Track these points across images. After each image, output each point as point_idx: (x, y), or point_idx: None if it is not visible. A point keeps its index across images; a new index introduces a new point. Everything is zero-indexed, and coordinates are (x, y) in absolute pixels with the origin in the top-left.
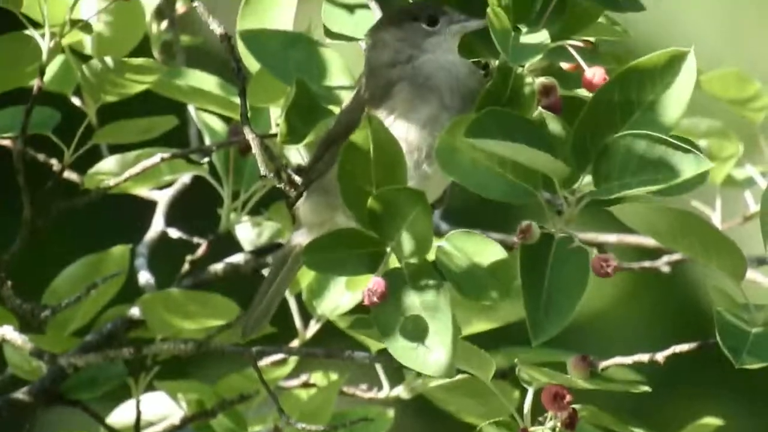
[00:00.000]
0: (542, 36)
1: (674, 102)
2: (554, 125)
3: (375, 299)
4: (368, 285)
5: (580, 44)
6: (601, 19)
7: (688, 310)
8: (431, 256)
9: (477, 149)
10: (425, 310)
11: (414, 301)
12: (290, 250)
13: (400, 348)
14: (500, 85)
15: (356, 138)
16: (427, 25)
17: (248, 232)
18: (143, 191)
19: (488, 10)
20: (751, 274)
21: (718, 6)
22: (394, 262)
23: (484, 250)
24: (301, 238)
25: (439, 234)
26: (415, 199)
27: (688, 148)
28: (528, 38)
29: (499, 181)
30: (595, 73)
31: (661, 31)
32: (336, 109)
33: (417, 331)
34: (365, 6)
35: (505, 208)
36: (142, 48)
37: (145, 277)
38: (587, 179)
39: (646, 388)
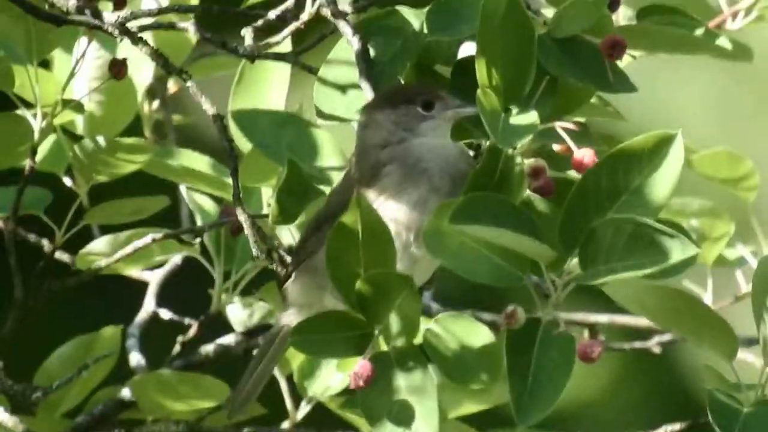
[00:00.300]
0: (532, 117)
1: (662, 184)
2: (542, 208)
3: (361, 383)
4: (355, 368)
5: (571, 126)
6: (593, 100)
7: (679, 390)
8: (419, 339)
9: (464, 233)
10: (411, 393)
11: (400, 384)
12: (278, 331)
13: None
14: (490, 167)
15: (345, 220)
16: (422, 108)
17: (239, 313)
18: (135, 272)
19: (478, 91)
20: (743, 354)
21: (710, 89)
22: (382, 345)
23: (473, 333)
24: (289, 319)
25: (430, 315)
26: (403, 283)
27: (675, 232)
28: (518, 120)
29: (487, 264)
30: (585, 155)
31: (654, 113)
32: (327, 190)
33: (403, 415)
34: (357, 86)
35: (495, 289)
36: (134, 128)
37: (136, 358)
38: (574, 262)
39: None
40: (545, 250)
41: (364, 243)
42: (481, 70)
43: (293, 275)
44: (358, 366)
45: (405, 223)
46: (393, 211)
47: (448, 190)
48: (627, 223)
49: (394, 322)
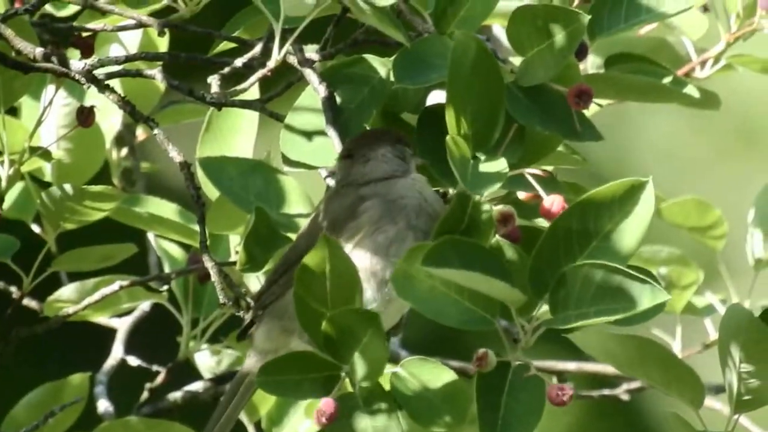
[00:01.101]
0: (501, 165)
1: (633, 231)
2: (511, 253)
3: (324, 420)
4: (319, 406)
5: (539, 173)
6: (559, 147)
7: None
8: (386, 383)
9: (434, 276)
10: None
11: (366, 426)
12: (243, 377)
13: None
14: (458, 213)
15: (312, 259)
16: (408, 148)
17: (207, 360)
18: (102, 319)
19: (447, 138)
20: (710, 402)
21: (672, 137)
22: (349, 387)
23: (438, 377)
24: (253, 365)
25: (397, 361)
26: (369, 322)
27: (645, 278)
28: (487, 167)
29: (456, 308)
30: (554, 202)
31: (617, 161)
32: (294, 237)
33: None
34: (323, 133)
35: (464, 337)
36: (102, 175)
37: (104, 405)
38: (544, 308)
39: None
40: (516, 294)
41: (332, 281)
42: (450, 117)
43: (259, 321)
44: (322, 403)
45: (381, 261)
46: (370, 248)
47: (425, 228)
48: (597, 268)
49: (359, 362)
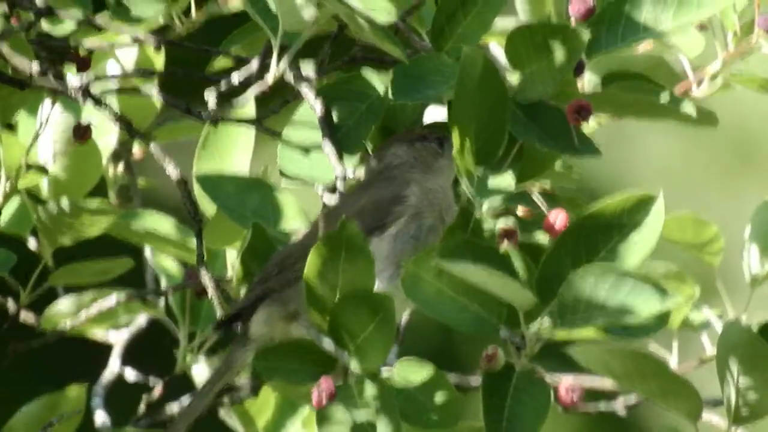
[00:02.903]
0: (507, 180)
1: (640, 245)
2: (519, 262)
3: (324, 397)
4: (317, 385)
5: (545, 190)
6: (557, 165)
7: None
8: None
9: (442, 280)
10: (369, 420)
11: (358, 412)
12: (229, 365)
13: None
14: (461, 226)
15: (328, 241)
16: (438, 146)
17: (204, 373)
18: (99, 333)
19: (454, 152)
20: (708, 416)
21: (670, 154)
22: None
23: (431, 379)
24: (242, 354)
25: None
26: (381, 305)
27: (653, 286)
28: (493, 182)
29: (463, 312)
30: (558, 216)
31: (614, 178)
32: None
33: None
34: (320, 148)
35: (463, 351)
36: (99, 191)
37: (101, 417)
38: (547, 320)
39: None
40: (526, 295)
41: (344, 267)
42: (455, 132)
43: (256, 307)
44: (321, 381)
45: (419, 247)
46: (412, 233)
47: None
48: (606, 273)
49: (361, 348)
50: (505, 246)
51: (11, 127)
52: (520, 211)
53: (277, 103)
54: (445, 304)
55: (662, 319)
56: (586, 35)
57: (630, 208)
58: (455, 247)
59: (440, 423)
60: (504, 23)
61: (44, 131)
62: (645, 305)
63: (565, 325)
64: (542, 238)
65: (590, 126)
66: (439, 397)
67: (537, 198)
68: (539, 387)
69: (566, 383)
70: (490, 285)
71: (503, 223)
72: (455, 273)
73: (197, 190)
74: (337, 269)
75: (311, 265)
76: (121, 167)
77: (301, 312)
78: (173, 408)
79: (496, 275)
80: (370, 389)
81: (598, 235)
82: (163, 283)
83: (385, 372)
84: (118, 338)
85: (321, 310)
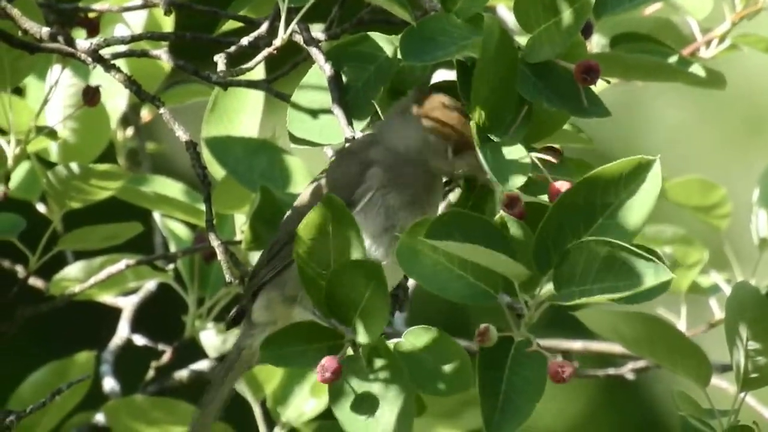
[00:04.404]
0: (519, 151)
1: (638, 209)
2: (515, 229)
3: (328, 375)
4: (321, 362)
5: (548, 157)
6: (566, 126)
7: (653, 416)
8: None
9: (438, 251)
10: (379, 388)
11: (368, 381)
12: (238, 352)
13: (348, 417)
14: (464, 194)
15: (314, 219)
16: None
17: (213, 339)
18: (108, 298)
19: (471, 123)
20: (716, 381)
21: (680, 121)
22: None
23: (441, 346)
24: (249, 340)
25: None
26: (372, 274)
27: (650, 256)
28: (509, 153)
29: (460, 283)
30: (562, 187)
31: (624, 141)
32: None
33: (368, 405)
34: (329, 112)
35: (470, 317)
36: (108, 155)
37: (110, 383)
38: (549, 285)
39: None
40: (518, 268)
41: (335, 242)
42: (475, 103)
43: (256, 295)
44: (325, 360)
45: (391, 222)
46: (381, 209)
47: (425, 199)
48: (602, 245)
49: (363, 321)
50: (501, 213)
51: (20, 91)
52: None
53: (286, 66)
54: (441, 276)
55: (663, 285)
56: None
57: (628, 173)
58: (447, 220)
59: (452, 388)
60: None
61: (53, 95)
62: (641, 277)
63: (563, 297)
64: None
65: (598, 87)
66: (450, 363)
67: (540, 166)
68: (536, 359)
69: (557, 361)
70: (481, 259)
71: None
72: (443, 250)
73: (206, 153)
74: (328, 245)
75: (301, 244)
76: (130, 131)
77: (299, 294)
78: (182, 374)
79: (483, 251)
80: (378, 359)
81: (596, 201)
82: (172, 248)
83: (393, 341)
84: (126, 303)
85: (317, 289)
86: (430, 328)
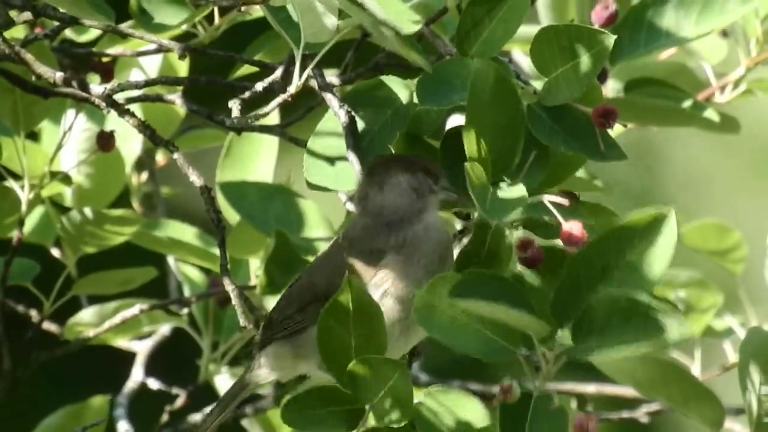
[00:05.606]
0: (520, 191)
1: (656, 262)
2: (532, 281)
3: None
4: None
5: (561, 200)
6: (581, 174)
7: None
8: (410, 417)
9: (455, 307)
10: None
11: None
12: (242, 388)
13: None
14: (478, 241)
15: (338, 299)
16: (434, 182)
17: (227, 383)
18: (123, 342)
19: (466, 164)
20: (730, 424)
21: (694, 163)
22: (371, 419)
23: (464, 406)
24: (258, 378)
25: (418, 385)
26: (396, 368)
27: (670, 309)
28: (506, 193)
29: (478, 338)
30: (572, 228)
31: (642, 184)
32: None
33: None
34: (345, 158)
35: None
36: (122, 199)
37: (124, 427)
38: (566, 334)
39: None
40: (539, 325)
41: (356, 323)
42: (469, 144)
43: (269, 344)
44: None
45: (405, 310)
46: (395, 294)
47: (438, 268)
48: (622, 298)
49: (386, 401)
50: (519, 267)
51: (35, 136)
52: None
53: (301, 110)
54: (459, 331)
55: (682, 339)
56: (611, 38)
57: (644, 227)
58: (467, 279)
59: None
60: (527, 30)
61: (68, 140)
62: (662, 331)
63: (582, 350)
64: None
65: (614, 131)
66: (475, 424)
67: (552, 209)
68: (556, 413)
69: (583, 413)
70: (502, 317)
71: (521, 235)
72: (465, 308)
73: (220, 198)
74: (348, 328)
75: (323, 324)
76: (144, 176)
77: (312, 356)
78: (196, 418)
79: (506, 310)
80: None
81: (612, 255)
82: (187, 292)
83: (417, 401)
84: (141, 348)
85: (338, 367)
86: (450, 387)
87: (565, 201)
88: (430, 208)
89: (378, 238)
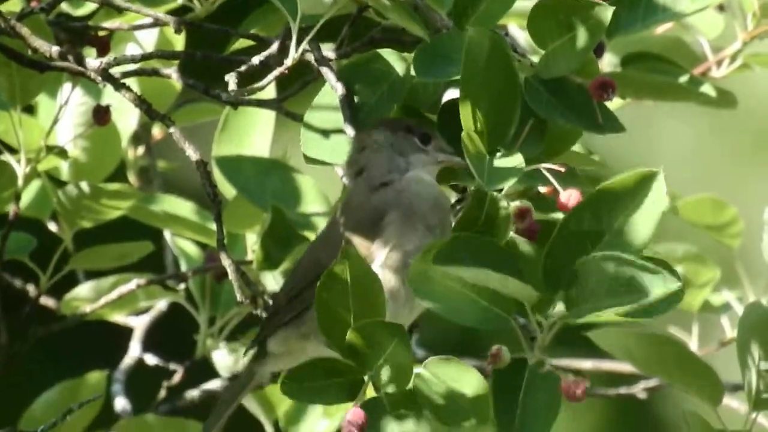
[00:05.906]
0: (517, 160)
1: (645, 223)
2: (526, 249)
3: (355, 431)
4: (348, 416)
5: (557, 168)
6: (577, 148)
7: None
8: (409, 384)
9: (450, 276)
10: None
11: (394, 431)
12: (250, 378)
13: None
14: (475, 211)
15: (335, 270)
16: (420, 141)
17: (225, 359)
18: (119, 317)
19: (462, 134)
20: (728, 400)
21: (691, 136)
22: (372, 390)
23: (462, 377)
24: (263, 367)
25: (415, 360)
26: (395, 332)
27: (657, 268)
28: (503, 163)
29: (473, 307)
30: (570, 196)
31: (635, 160)
32: (311, 236)
33: None
34: (342, 131)
35: (482, 335)
36: (119, 174)
37: (121, 403)
38: (560, 305)
39: None
40: (529, 291)
41: (354, 293)
42: (465, 114)
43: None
44: (351, 414)
45: (403, 266)
46: (398, 259)
47: (440, 229)
48: (610, 261)
49: (385, 369)
50: (511, 234)
51: (31, 110)
52: (545, 189)
53: (297, 85)
54: (454, 300)
55: (671, 299)
56: (609, 10)
57: (632, 187)
58: (454, 245)
59: (477, 420)
60: (524, 4)
61: (64, 114)
62: (649, 289)
63: (574, 315)
64: (561, 215)
65: (611, 104)
66: (473, 393)
67: (550, 177)
68: (550, 380)
69: (571, 379)
70: (491, 284)
71: (518, 204)
72: (452, 275)
73: (217, 172)
74: (347, 298)
75: (320, 296)
76: (141, 150)
77: (314, 333)
78: (194, 393)
79: (492, 275)
80: (403, 408)
81: (602, 217)
82: (183, 267)
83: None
84: (138, 323)
85: (336, 336)
86: (448, 358)
87: (561, 168)
88: (417, 167)
89: (368, 203)
